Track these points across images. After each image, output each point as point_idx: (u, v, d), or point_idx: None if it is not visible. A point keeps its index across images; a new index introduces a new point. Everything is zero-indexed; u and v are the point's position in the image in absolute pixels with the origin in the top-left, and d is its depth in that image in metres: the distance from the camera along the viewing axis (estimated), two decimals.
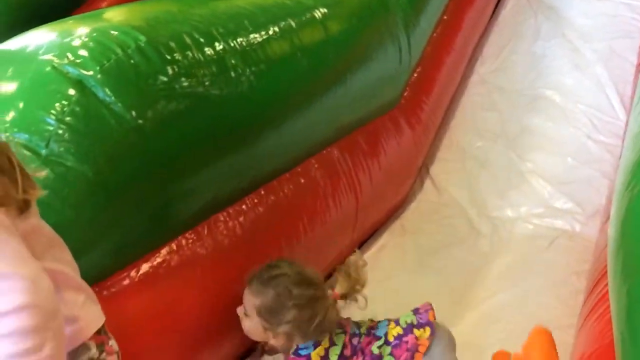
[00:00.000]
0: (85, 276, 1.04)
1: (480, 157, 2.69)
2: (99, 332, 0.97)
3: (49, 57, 1.24)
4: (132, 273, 1.37)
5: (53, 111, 1.18)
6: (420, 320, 1.50)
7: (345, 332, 1.50)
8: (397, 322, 1.52)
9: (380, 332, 1.52)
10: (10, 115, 1.16)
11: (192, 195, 1.46)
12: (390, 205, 2.46)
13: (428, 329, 1.49)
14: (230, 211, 1.61)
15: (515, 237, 2.33)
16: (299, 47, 1.76)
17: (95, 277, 1.26)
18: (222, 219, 1.58)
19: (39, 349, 0.74)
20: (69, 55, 1.24)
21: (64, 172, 1.17)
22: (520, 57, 3.10)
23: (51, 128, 1.17)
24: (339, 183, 2.04)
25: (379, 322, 1.55)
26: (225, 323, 1.55)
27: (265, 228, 1.69)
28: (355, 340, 1.50)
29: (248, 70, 1.54)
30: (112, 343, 0.99)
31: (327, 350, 1.47)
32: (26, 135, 1.15)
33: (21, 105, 1.18)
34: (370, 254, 2.28)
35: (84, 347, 0.92)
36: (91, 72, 1.23)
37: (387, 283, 2.08)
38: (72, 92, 1.20)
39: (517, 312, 1.91)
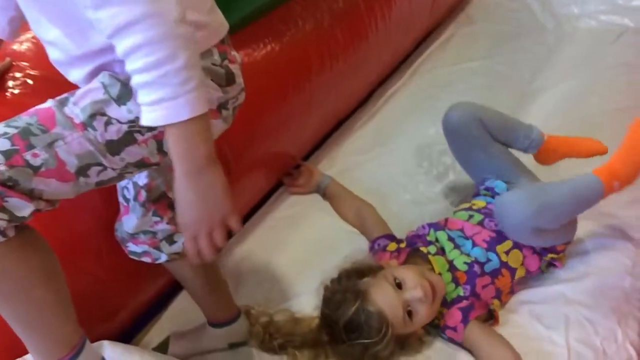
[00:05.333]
0: None
1: None
2: (222, 42, 0.91)
3: None
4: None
5: None
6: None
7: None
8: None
9: None
10: None
11: None
12: None
13: None
14: None
15: (580, 31, 2.34)
16: None
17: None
18: None
19: (172, 59, 0.69)
20: None
21: None
22: None
23: None
24: None
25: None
26: None
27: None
28: None
29: None
30: (235, 53, 0.93)
31: None
32: None
33: None
34: (438, 44, 2.32)
35: (207, 52, 0.86)
36: None
37: (458, 67, 2.16)
38: None
39: (575, 106, 1.89)
